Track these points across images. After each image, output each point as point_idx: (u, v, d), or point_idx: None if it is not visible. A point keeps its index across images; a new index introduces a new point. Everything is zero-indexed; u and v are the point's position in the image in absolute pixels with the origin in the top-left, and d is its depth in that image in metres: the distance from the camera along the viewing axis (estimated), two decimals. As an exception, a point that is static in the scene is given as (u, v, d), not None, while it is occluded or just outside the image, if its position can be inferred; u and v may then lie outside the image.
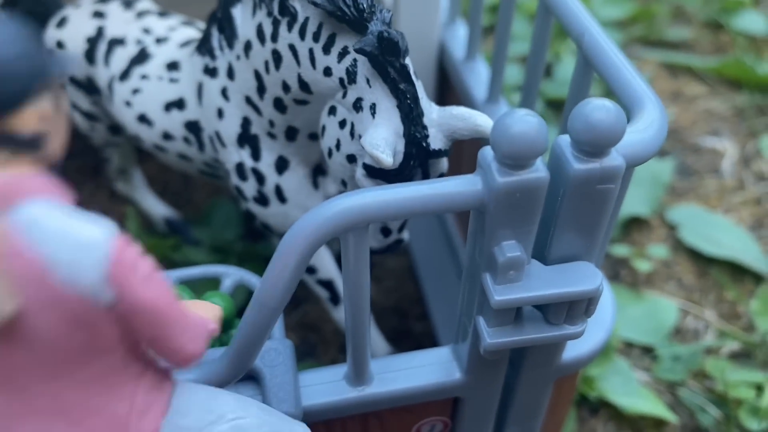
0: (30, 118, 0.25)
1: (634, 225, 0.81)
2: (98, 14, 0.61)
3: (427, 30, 0.66)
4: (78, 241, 0.25)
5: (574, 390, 0.48)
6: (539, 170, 0.31)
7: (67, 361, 0.27)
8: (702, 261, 0.77)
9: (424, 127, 0.39)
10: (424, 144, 0.39)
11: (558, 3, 0.44)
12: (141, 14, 0.60)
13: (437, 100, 0.70)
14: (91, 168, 0.85)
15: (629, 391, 0.65)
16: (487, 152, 0.32)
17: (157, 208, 0.75)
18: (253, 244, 0.74)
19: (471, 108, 0.60)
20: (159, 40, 0.58)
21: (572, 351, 0.42)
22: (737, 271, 0.76)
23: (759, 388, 0.64)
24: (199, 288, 0.47)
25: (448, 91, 0.68)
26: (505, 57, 0.56)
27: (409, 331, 0.69)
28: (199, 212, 0.79)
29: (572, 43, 0.44)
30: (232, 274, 0.46)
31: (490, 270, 0.34)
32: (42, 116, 0.25)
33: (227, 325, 0.44)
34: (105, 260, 0.25)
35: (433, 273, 0.72)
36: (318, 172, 0.53)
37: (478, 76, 0.62)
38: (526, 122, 0.30)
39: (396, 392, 0.41)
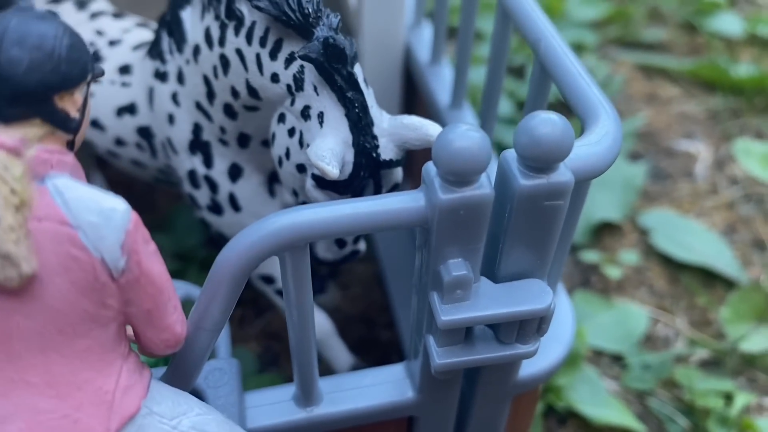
0: (75, 103, 0.28)
1: (606, 230, 0.80)
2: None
3: (392, 32, 0.64)
4: (102, 208, 0.28)
5: (535, 405, 0.47)
6: (484, 186, 0.30)
7: (64, 332, 0.28)
8: (673, 267, 0.76)
9: (374, 137, 0.38)
10: (374, 154, 0.38)
11: (516, 8, 0.43)
12: (95, 15, 0.58)
13: (403, 104, 0.69)
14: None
15: (598, 401, 0.63)
16: (430, 168, 0.30)
17: (118, 213, 0.73)
18: (216, 250, 0.72)
19: (435, 113, 0.59)
20: (112, 43, 0.56)
21: (529, 368, 0.41)
22: (709, 277, 0.75)
23: (728, 397, 0.64)
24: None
25: (413, 95, 0.67)
26: (468, 62, 0.55)
27: (375, 340, 0.68)
28: (162, 218, 0.77)
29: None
30: (178, 288, 0.44)
31: (437, 289, 0.33)
32: (80, 104, 0.29)
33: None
34: (124, 228, 0.28)
35: (400, 280, 0.70)
36: (274, 179, 0.51)
37: (442, 81, 0.60)
38: (468, 137, 0.28)
39: (346, 412, 0.39)
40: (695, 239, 0.78)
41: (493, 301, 0.33)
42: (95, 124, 0.55)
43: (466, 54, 0.54)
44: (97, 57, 0.55)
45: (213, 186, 0.50)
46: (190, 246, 0.72)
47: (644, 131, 0.92)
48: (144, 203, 0.79)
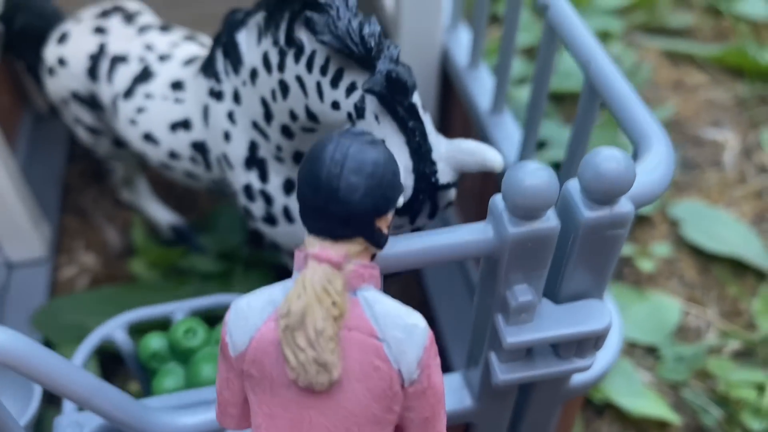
0: (387, 222, 0.30)
1: (637, 222, 0.81)
2: (99, 30, 0.60)
3: (430, 35, 0.66)
4: (408, 325, 0.29)
5: (580, 406, 0.49)
6: (550, 220, 0.32)
7: (350, 430, 0.30)
8: (704, 258, 0.78)
9: (433, 163, 0.40)
10: (433, 179, 0.40)
11: (563, 27, 0.44)
12: (143, 29, 0.60)
13: (440, 108, 0.70)
14: (94, 172, 0.85)
15: (633, 392, 0.66)
16: (498, 201, 0.32)
17: (163, 215, 0.76)
18: (259, 250, 0.74)
19: (475, 117, 0.61)
20: (162, 58, 0.58)
21: (580, 376, 0.43)
22: (739, 267, 0.77)
23: (760, 388, 0.66)
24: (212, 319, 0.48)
25: (451, 98, 0.68)
26: (509, 67, 0.56)
27: (415, 335, 0.70)
28: (203, 217, 0.80)
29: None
30: (225, 299, 0.46)
31: (503, 312, 0.35)
32: (390, 222, 0.31)
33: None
34: (423, 345, 0.30)
35: (438, 278, 0.72)
36: (325, 191, 0.53)
37: (482, 85, 0.62)
38: (538, 176, 0.30)
39: (409, 420, 0.42)
40: (725, 230, 0.79)
41: (555, 322, 0.35)
42: (149, 137, 0.57)
43: (508, 59, 0.55)
44: (147, 72, 0.57)
45: (268, 199, 0.52)
46: (233, 246, 0.75)
47: (672, 120, 0.93)
48: (185, 204, 0.81)
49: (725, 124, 0.93)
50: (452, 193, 0.42)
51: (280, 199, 0.52)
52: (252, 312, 0.30)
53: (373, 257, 0.31)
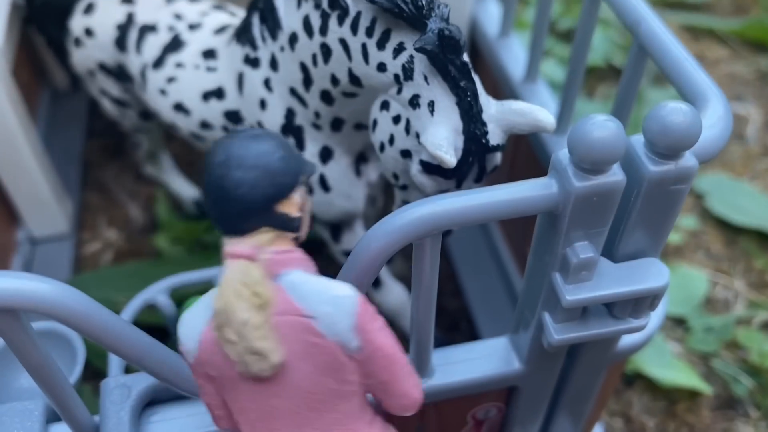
0: (294, 205, 0.31)
1: (662, 195, 0.81)
2: (127, 0, 0.60)
3: (458, 4, 0.65)
4: (334, 297, 0.31)
5: (622, 371, 0.49)
6: (616, 174, 0.31)
7: (314, 408, 0.32)
8: (730, 230, 0.77)
9: (484, 124, 0.39)
10: (484, 141, 0.39)
11: (610, -12, 0.44)
12: (170, -1, 0.59)
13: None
14: (115, 147, 0.84)
15: (663, 363, 0.66)
16: (562, 156, 0.32)
17: (187, 190, 0.75)
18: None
19: (508, 87, 0.60)
20: (192, 27, 0.57)
21: (628, 339, 0.43)
22: (765, 239, 0.77)
23: (791, 358, 0.66)
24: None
25: (480, 68, 0.67)
26: (544, 35, 0.55)
27: (443, 308, 0.70)
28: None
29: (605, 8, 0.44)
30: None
31: (562, 270, 0.34)
32: (299, 205, 0.32)
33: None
34: (353, 312, 0.31)
35: (465, 249, 0.72)
36: (360, 159, 0.53)
37: (514, 55, 0.61)
38: (606, 128, 0.30)
39: (457, 383, 0.41)
40: (750, 202, 0.79)
41: (614, 280, 0.35)
42: (179, 107, 0.56)
43: (542, 28, 0.55)
44: (178, 41, 0.56)
45: (304, 167, 0.51)
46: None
47: (693, 94, 0.93)
48: (207, 179, 0.81)
49: (747, 98, 0.92)
50: (499, 157, 0.42)
51: (316, 168, 0.51)
52: (195, 318, 0.32)
53: (297, 240, 0.32)
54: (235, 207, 0.30)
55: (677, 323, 0.70)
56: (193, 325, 0.32)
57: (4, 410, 0.39)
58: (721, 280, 0.73)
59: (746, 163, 0.85)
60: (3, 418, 0.38)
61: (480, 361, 0.42)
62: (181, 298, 0.46)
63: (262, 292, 0.30)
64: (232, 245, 0.31)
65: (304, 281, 0.31)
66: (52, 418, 0.41)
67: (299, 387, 0.31)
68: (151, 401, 0.41)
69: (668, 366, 0.65)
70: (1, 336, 0.32)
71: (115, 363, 0.43)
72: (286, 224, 0.31)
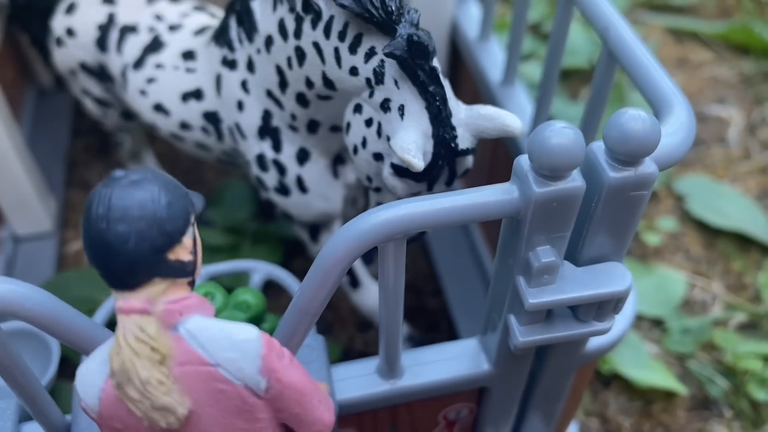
0: (185, 249, 0.30)
1: (643, 197, 0.81)
2: (108, 0, 0.60)
3: (439, 8, 0.66)
4: (236, 342, 0.30)
5: (593, 372, 0.50)
6: (576, 180, 0.32)
7: None
8: (709, 232, 0.78)
9: (453, 128, 0.40)
10: (453, 144, 0.40)
11: (581, -6, 0.44)
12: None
13: (450, 80, 0.70)
14: (99, 146, 0.85)
15: (640, 363, 0.66)
16: (523, 162, 0.32)
17: (170, 189, 0.75)
18: (267, 224, 0.74)
19: (486, 90, 0.61)
20: (172, 28, 0.57)
21: (596, 341, 0.44)
22: (744, 242, 0.77)
23: (766, 359, 0.66)
24: (229, 283, 0.48)
25: (461, 70, 0.68)
26: (521, 39, 0.56)
27: (423, 308, 0.70)
28: (210, 192, 0.79)
29: (578, 11, 0.44)
30: (260, 269, 0.47)
31: (525, 274, 0.35)
32: (190, 247, 0.30)
33: (258, 320, 0.45)
34: (258, 355, 0.30)
35: (445, 249, 0.73)
36: (338, 161, 0.53)
37: (492, 57, 0.61)
38: (564, 135, 0.30)
39: (427, 384, 0.42)
40: (730, 205, 0.80)
41: (577, 284, 0.35)
42: (159, 108, 0.57)
43: (520, 31, 0.55)
44: (158, 42, 0.57)
45: (281, 169, 0.52)
46: (240, 220, 0.75)
47: (677, 97, 0.93)
48: (192, 178, 0.81)
49: (730, 101, 0.93)
50: (470, 160, 0.42)
51: (293, 169, 0.52)
52: (91, 375, 0.31)
53: (192, 283, 0.31)
54: (122, 262, 0.28)
55: (655, 324, 0.71)
56: (91, 381, 0.31)
57: (-24, 409, 0.39)
58: (699, 282, 0.74)
59: (727, 166, 0.85)
60: (-25, 416, 0.39)
61: (450, 362, 0.43)
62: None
63: (159, 346, 0.29)
64: (122, 300, 0.29)
65: (204, 328, 0.30)
66: (25, 417, 0.41)
67: (209, 431, 0.31)
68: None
69: (645, 367, 0.66)
70: None
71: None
72: (178, 271, 0.29)
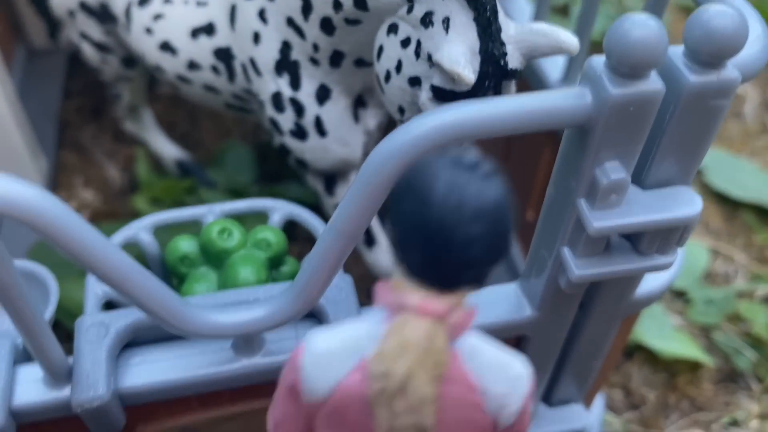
0: None
1: (660, 169, 0.79)
2: (111, -67, 0.56)
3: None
4: (510, 377, 0.27)
5: (632, 327, 0.47)
6: (655, 82, 0.28)
7: None
8: (729, 205, 0.76)
9: (503, 44, 0.36)
10: (502, 63, 0.36)
11: None
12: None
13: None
14: (93, 108, 0.80)
15: (664, 334, 0.63)
16: (597, 62, 0.29)
17: (169, 149, 0.72)
18: (271, 186, 0.71)
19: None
20: (181, -38, 0.53)
21: (645, 287, 0.40)
22: (764, 214, 0.75)
23: (794, 331, 0.64)
24: (247, 221, 0.44)
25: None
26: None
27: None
28: (208, 154, 0.75)
29: None
30: (280, 208, 0.43)
31: (588, 195, 0.32)
32: None
33: (278, 261, 0.41)
34: (526, 394, 0.27)
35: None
36: (359, 103, 0.50)
37: (519, 7, 0.58)
38: (647, 27, 0.27)
39: (464, 330, 0.38)
40: (749, 177, 0.78)
41: (644, 207, 0.32)
42: (166, 47, 0.53)
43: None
44: (166, -23, 0.53)
45: (299, 109, 0.48)
46: (242, 183, 0.71)
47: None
48: (190, 141, 0.77)
49: (744, 77, 0.91)
50: (513, 86, 0.39)
51: (312, 108, 0.48)
52: (333, 360, 0.27)
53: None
54: (456, 263, 0.24)
55: (677, 296, 0.68)
56: (331, 368, 0.26)
57: (-33, 348, 0.35)
58: (721, 255, 0.71)
59: (745, 141, 0.83)
60: (-34, 356, 0.35)
61: (488, 307, 0.39)
62: (167, 238, 0.42)
63: (443, 361, 0.25)
64: (425, 299, 0.25)
65: (481, 351, 0.27)
66: (20, 359, 0.37)
67: None
68: (131, 342, 0.38)
69: (668, 337, 0.63)
70: None
71: (91, 301, 0.39)
72: (483, 284, 0.26)
